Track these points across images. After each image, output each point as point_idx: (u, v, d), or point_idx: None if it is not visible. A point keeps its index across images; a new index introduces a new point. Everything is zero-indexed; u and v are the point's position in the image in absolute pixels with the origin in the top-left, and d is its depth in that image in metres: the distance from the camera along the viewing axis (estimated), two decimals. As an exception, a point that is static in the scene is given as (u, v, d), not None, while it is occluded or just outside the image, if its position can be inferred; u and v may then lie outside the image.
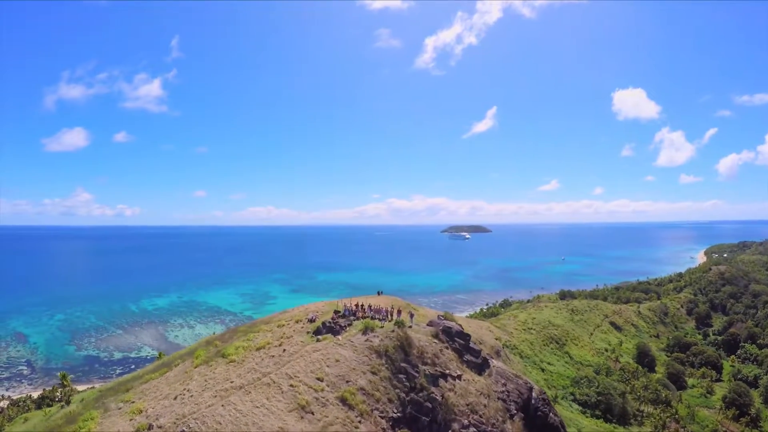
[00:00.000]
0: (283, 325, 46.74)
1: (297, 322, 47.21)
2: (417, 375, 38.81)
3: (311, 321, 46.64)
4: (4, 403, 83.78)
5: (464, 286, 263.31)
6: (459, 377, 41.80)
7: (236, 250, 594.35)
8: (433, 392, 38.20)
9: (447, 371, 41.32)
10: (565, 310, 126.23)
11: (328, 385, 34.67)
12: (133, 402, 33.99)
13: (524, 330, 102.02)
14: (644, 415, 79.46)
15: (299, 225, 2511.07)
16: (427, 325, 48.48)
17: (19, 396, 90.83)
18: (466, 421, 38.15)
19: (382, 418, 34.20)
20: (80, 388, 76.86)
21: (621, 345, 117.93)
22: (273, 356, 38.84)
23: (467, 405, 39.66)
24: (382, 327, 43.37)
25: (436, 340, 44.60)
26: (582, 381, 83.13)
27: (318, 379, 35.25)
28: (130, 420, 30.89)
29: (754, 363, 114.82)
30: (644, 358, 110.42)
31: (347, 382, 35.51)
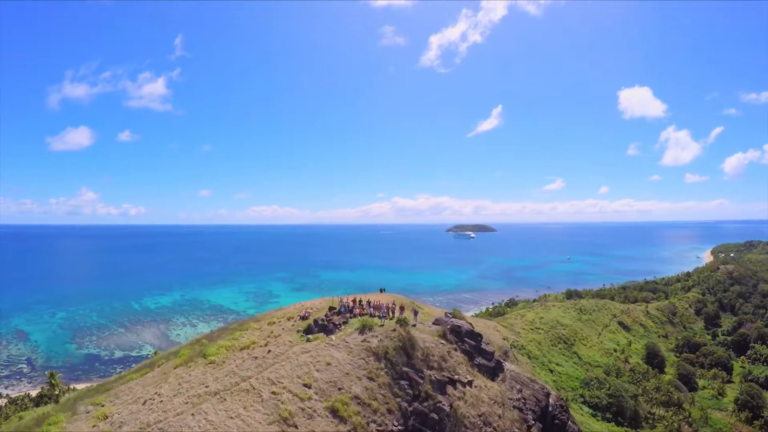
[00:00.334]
0: (274, 323, 42.37)
1: (288, 319, 42.66)
2: (421, 381, 34.22)
3: (303, 318, 42.04)
4: (2, 401, 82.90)
5: (469, 285, 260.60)
6: (470, 383, 37.50)
7: (240, 248, 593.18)
8: (440, 401, 33.58)
9: (456, 376, 36.88)
10: (572, 310, 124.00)
11: (316, 393, 30.09)
12: (102, 405, 30.71)
13: (532, 330, 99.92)
14: (656, 418, 77.23)
15: (304, 224, 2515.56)
16: (433, 323, 44.22)
17: (18, 394, 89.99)
18: (479, 434, 33.84)
19: (379, 432, 29.81)
20: (80, 386, 75.47)
21: (630, 345, 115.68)
22: (256, 357, 34.15)
23: (479, 416, 35.35)
24: (381, 326, 38.72)
25: (443, 341, 40.14)
26: (592, 382, 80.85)
27: (305, 385, 30.49)
28: (93, 426, 27.73)
29: (765, 364, 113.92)
30: (653, 359, 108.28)
31: (339, 389, 30.88)
